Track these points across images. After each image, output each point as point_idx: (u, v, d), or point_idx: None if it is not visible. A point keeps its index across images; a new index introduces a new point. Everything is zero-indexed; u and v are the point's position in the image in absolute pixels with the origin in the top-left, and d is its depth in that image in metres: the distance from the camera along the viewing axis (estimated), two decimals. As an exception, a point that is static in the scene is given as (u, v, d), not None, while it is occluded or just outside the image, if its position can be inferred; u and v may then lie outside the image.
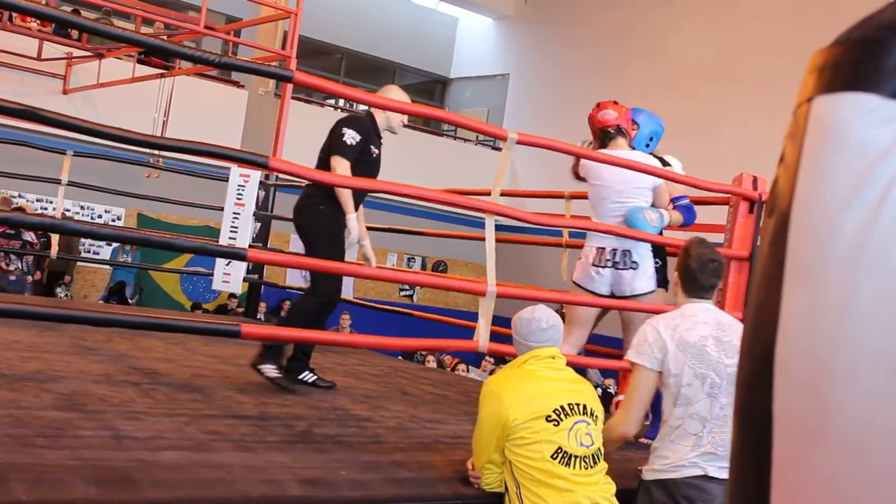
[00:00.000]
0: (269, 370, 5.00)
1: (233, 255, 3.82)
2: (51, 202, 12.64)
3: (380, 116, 5.22)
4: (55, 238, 8.78)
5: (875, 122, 0.88)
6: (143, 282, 14.03)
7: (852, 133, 0.89)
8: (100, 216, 13.91)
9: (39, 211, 12.77)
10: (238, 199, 8.02)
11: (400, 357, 10.59)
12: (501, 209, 4.53)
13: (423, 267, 17.36)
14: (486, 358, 12.32)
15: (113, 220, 13.99)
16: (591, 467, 3.30)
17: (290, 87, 8.72)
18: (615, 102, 5.38)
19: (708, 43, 14.74)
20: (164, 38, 10.76)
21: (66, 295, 12.55)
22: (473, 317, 4.90)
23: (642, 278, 5.06)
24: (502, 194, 5.72)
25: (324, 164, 5.04)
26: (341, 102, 18.10)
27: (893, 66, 0.89)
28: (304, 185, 7.02)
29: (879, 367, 0.84)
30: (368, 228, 9.66)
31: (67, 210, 13.06)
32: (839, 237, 0.87)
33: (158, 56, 12.59)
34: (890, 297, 0.84)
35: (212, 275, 8.41)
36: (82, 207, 13.68)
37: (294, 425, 4.15)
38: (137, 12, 10.17)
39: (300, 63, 14.76)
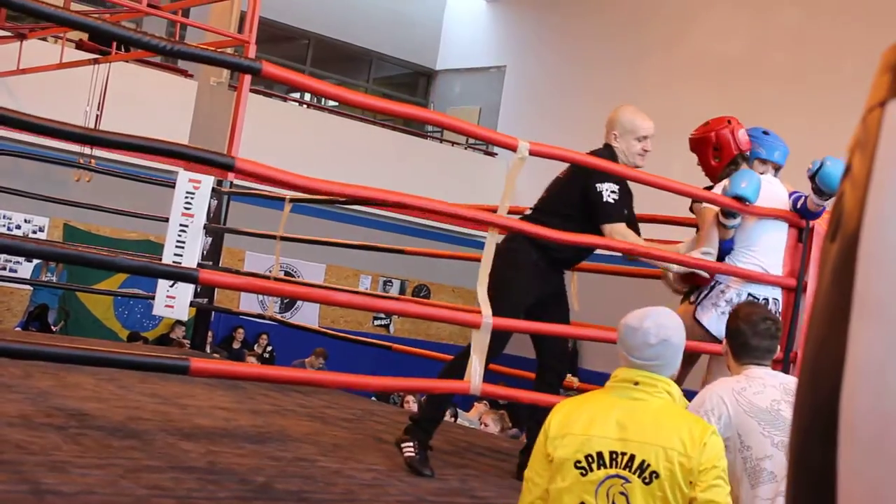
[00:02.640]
0: (409, 449, 4.85)
1: (182, 275, 3.79)
2: (8, 218, 12.65)
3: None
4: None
5: (961, 130, 0.87)
6: (70, 305, 13.96)
7: (934, 143, 0.88)
8: (18, 227, 13.85)
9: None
10: (186, 208, 8.01)
11: (374, 398, 10.56)
12: (513, 224, 4.53)
13: (402, 292, 17.35)
14: (482, 402, 11.99)
15: (34, 232, 13.93)
16: None
17: (248, 77, 8.70)
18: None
19: (737, 33, 14.84)
20: (98, 17, 10.74)
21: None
22: (459, 351, 4.88)
23: None
24: (513, 211, 5.74)
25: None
26: (307, 97, 18.10)
27: (983, 65, 0.88)
28: (260, 192, 7.00)
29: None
30: (344, 245, 9.68)
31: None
32: (919, 267, 0.87)
33: (95, 40, 12.57)
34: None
35: (152, 298, 8.40)
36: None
37: (250, 479, 4.12)
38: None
39: (260, 49, 14.76)
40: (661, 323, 2.98)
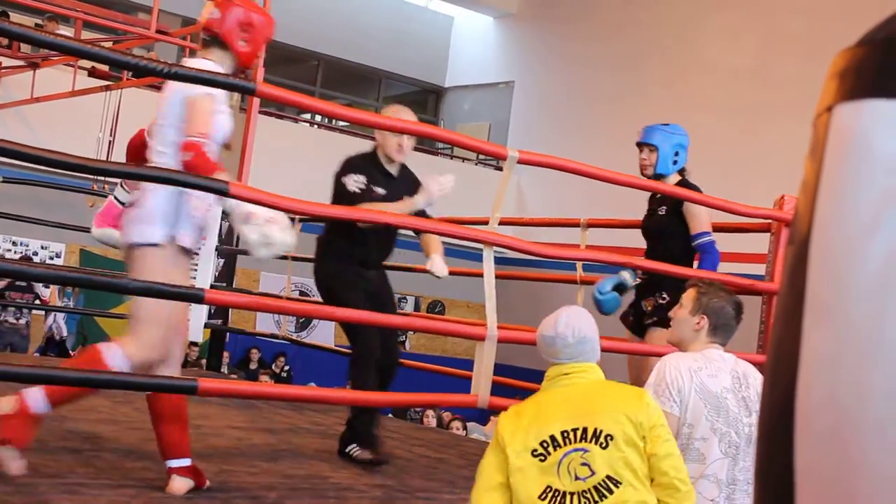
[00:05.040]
0: (356, 451, 5.18)
1: (187, 296, 3.82)
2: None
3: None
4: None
5: (904, 132, 0.89)
6: (87, 329, 14.00)
7: (878, 146, 0.90)
8: (35, 253, 13.93)
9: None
10: (197, 231, 8.04)
11: (390, 414, 10.58)
12: (501, 239, 4.56)
13: (417, 308, 17.36)
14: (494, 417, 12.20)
15: (51, 258, 14.01)
16: (599, 502, 3.05)
17: (256, 100, 8.76)
18: None
19: (742, 39, 14.85)
20: (110, 44, 10.83)
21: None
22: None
23: None
24: (506, 223, 5.76)
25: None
26: (318, 118, 18.18)
27: (924, 69, 0.90)
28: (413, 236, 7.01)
29: (914, 418, 0.85)
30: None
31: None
32: (863, 268, 0.88)
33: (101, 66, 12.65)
34: (923, 336, 0.85)
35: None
36: (14, 243, 13.71)
37: (261, 497, 4.15)
38: (78, 15, 10.24)
39: (270, 71, 14.81)
40: (573, 324, 3.19)
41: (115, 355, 3.84)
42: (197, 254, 4.12)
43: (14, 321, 12.05)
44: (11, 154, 3.57)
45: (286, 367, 14.82)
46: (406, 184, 5.47)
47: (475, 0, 18.74)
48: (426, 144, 18.50)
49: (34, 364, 6.25)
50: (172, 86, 4.02)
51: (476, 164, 18.14)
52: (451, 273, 7.78)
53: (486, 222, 5.05)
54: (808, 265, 0.95)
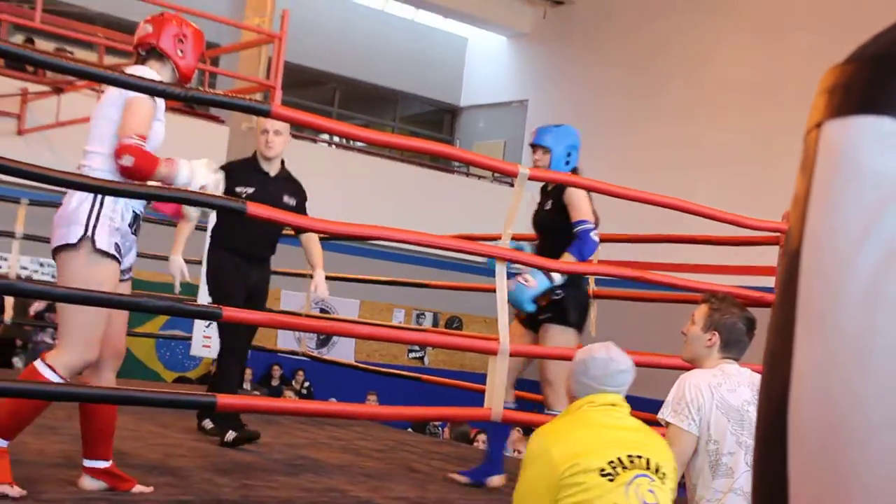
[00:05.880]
0: (230, 436, 5.68)
1: (204, 314, 3.85)
2: (5, 259, 12.74)
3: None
4: (9, 301, 8.84)
5: (891, 147, 0.90)
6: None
7: (865, 162, 0.91)
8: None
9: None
10: (218, 250, 8.06)
11: (409, 429, 10.58)
12: (513, 255, 4.57)
13: (435, 324, 17.35)
14: (517, 429, 12.14)
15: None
16: None
17: (275, 121, 8.81)
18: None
19: (756, 60, 14.84)
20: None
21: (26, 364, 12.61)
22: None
23: None
24: (519, 238, 5.77)
25: None
26: (336, 138, 18.24)
27: (910, 85, 0.91)
28: (292, 233, 7.12)
29: (901, 428, 0.85)
30: (371, 281, 9.72)
31: (25, 268, 13.14)
32: (853, 281, 0.89)
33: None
34: (909, 348, 0.85)
35: (190, 339, 8.46)
36: (42, 265, 13.76)
37: (281, 510, 4.15)
38: (101, 40, 10.32)
39: (288, 93, 14.93)
40: (622, 353, 3.36)
41: (46, 370, 3.81)
42: (126, 278, 4.06)
43: (51, 341, 12.14)
44: (36, 177, 3.59)
45: (306, 384, 14.83)
46: (281, 182, 5.91)
47: (489, 20, 18.77)
48: (442, 163, 18.55)
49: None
50: (111, 90, 4.00)
51: (492, 181, 18.15)
52: (467, 289, 7.78)
53: (499, 238, 5.08)
54: (799, 277, 0.95)
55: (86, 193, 3.82)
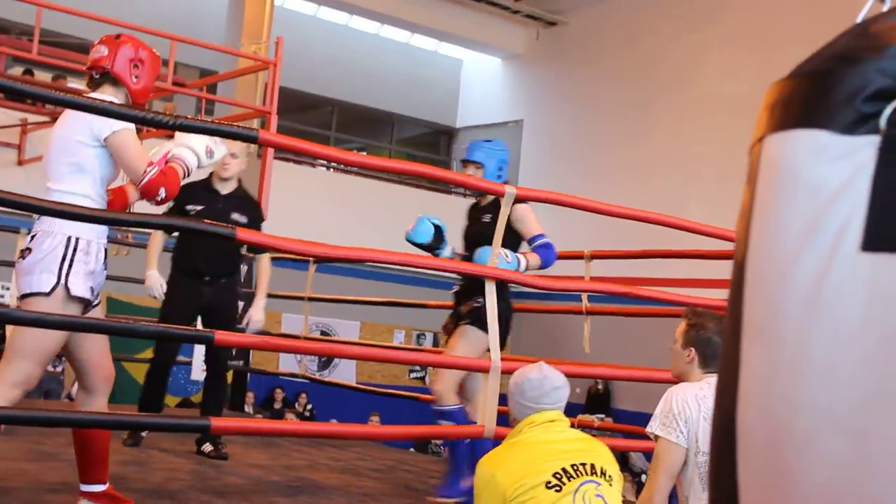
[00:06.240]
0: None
1: (195, 338, 3.86)
2: (8, 288, 12.75)
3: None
4: (9, 329, 8.84)
5: (826, 160, 0.92)
6: (115, 374, 14.04)
7: (802, 173, 0.93)
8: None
9: (-5, 299, 12.86)
10: (217, 275, 8.09)
11: (412, 449, 10.57)
12: (502, 273, 4.58)
13: (436, 343, 17.33)
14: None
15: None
16: None
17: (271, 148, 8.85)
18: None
19: (744, 73, 14.89)
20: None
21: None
22: (500, 400, 4.91)
23: None
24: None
25: None
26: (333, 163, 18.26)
27: (845, 99, 0.93)
28: (293, 258, 7.15)
29: (840, 432, 0.86)
30: (370, 303, 9.74)
31: (26, 297, 13.14)
32: (791, 291, 0.91)
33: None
34: (845, 352, 0.87)
35: (191, 363, 8.49)
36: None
37: (278, 531, 4.15)
38: (98, 71, 10.34)
39: (286, 118, 14.96)
40: (555, 371, 3.48)
41: None
42: (94, 304, 3.97)
43: (52, 368, 12.25)
44: (36, 209, 3.59)
45: (308, 406, 14.83)
46: (232, 200, 5.99)
47: (483, 42, 18.84)
48: (439, 185, 18.58)
49: (62, 409, 6.29)
50: (75, 118, 3.85)
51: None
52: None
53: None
54: (744, 288, 0.97)
55: (58, 239, 3.70)
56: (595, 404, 15.66)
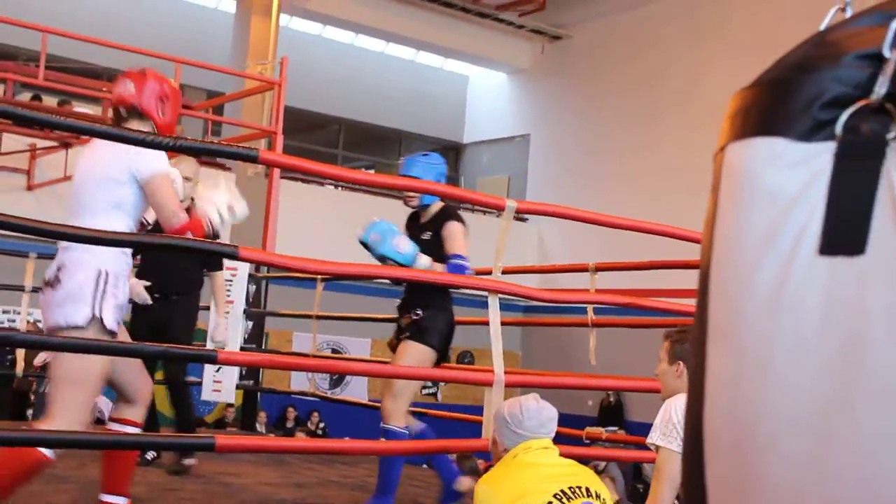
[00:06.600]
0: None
1: (198, 357, 3.88)
2: (18, 312, 12.80)
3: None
4: (20, 353, 8.89)
5: (784, 166, 0.94)
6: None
7: (761, 180, 0.95)
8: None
9: (6, 324, 12.92)
10: (226, 295, 8.12)
11: (425, 465, 10.54)
12: (504, 287, 4.60)
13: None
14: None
15: (91, 329, 14.10)
16: None
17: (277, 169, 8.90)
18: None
19: (748, 82, 14.91)
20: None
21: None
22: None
23: None
24: (518, 271, 5.80)
25: None
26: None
27: (802, 107, 0.95)
28: (302, 276, 7.17)
29: (802, 434, 0.88)
30: (380, 320, 9.77)
31: (38, 321, 13.20)
32: (752, 297, 0.92)
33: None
34: (806, 356, 0.88)
35: (201, 384, 8.51)
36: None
37: (287, 549, 4.16)
38: (105, 95, 10.42)
39: (294, 138, 15.02)
40: (546, 402, 3.66)
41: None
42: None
43: None
44: (47, 234, 3.61)
45: (321, 424, 14.84)
46: None
47: (488, 58, 18.90)
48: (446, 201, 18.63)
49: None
50: (111, 155, 3.88)
51: (498, 215, 18.20)
52: (470, 323, 7.83)
53: (485, 271, 5.12)
54: (708, 295, 0.99)
55: (91, 273, 3.73)
56: (608, 416, 15.64)
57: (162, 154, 3.87)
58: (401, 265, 5.01)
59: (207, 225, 4.01)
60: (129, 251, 3.91)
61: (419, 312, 5.20)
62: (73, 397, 3.73)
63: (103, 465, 4.15)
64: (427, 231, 5.39)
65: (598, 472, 10.40)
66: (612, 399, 16.21)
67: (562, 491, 3.39)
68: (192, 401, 6.53)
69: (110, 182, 3.86)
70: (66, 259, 3.80)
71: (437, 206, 5.44)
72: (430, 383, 17.25)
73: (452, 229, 5.24)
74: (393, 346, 5.44)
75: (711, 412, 0.97)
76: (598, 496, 3.49)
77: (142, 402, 4.18)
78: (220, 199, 4.08)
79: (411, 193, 5.35)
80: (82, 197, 3.94)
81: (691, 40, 16.01)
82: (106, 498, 4.12)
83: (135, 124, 4.02)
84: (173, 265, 5.89)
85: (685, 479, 1.04)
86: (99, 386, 3.87)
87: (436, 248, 5.23)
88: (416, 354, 5.16)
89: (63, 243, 3.79)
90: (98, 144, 4.00)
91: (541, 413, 3.61)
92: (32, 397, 13.01)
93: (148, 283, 5.82)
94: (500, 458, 3.66)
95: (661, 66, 16.37)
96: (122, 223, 3.87)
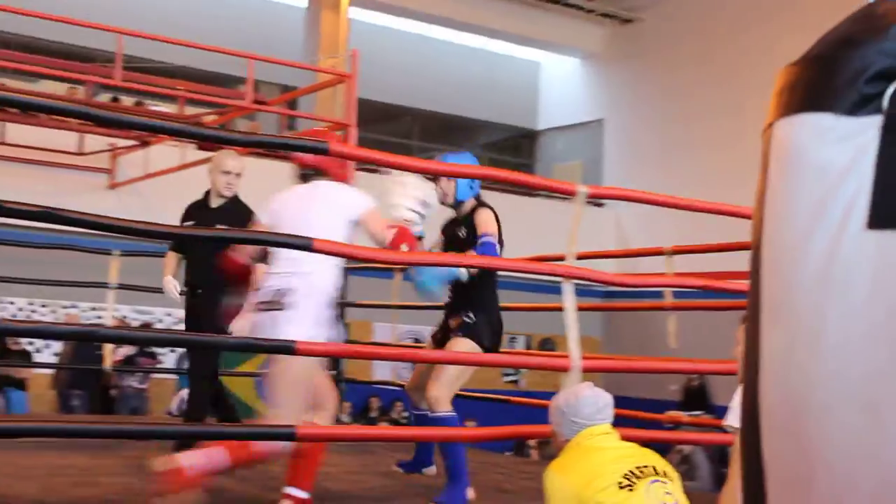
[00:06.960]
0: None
1: (280, 348, 3.95)
2: (105, 308, 13.09)
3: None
4: (108, 348, 9.07)
5: (832, 141, 0.95)
6: (214, 389, 14.28)
7: (809, 156, 0.96)
8: (160, 321, 14.29)
9: (94, 321, 13.19)
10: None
11: (507, 452, 10.59)
12: (577, 272, 4.61)
13: (528, 346, 17.33)
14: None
15: (175, 324, 14.36)
16: None
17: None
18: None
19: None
20: (213, 117, 11.20)
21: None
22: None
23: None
24: (594, 256, 5.79)
25: None
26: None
27: (847, 82, 0.96)
28: (380, 267, 7.23)
29: (855, 403, 0.90)
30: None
31: (124, 317, 13.48)
32: (804, 268, 0.94)
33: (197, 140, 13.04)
34: (856, 326, 0.90)
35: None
36: (140, 312, 14.10)
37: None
38: (181, 93, 10.60)
39: (368, 129, 15.14)
40: (601, 389, 3.74)
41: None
42: None
43: (139, 385, 12.57)
44: (130, 231, 3.71)
45: (404, 414, 14.93)
46: (219, 213, 6.09)
47: (559, 43, 18.82)
48: (522, 188, 18.61)
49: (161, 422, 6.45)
50: (324, 204, 4.40)
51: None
52: (542, 309, 7.82)
53: (558, 257, 5.14)
54: (761, 270, 1.01)
55: (321, 299, 4.32)
56: (692, 400, 15.48)
57: (360, 192, 4.51)
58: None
59: (410, 229, 4.44)
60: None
61: (470, 316, 5.29)
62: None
63: (291, 458, 4.45)
64: (462, 227, 5.46)
65: (683, 457, 10.36)
66: (695, 382, 16.06)
67: (630, 471, 3.46)
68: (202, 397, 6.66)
69: (329, 230, 4.29)
70: (294, 283, 4.29)
71: (470, 203, 5.50)
72: (511, 370, 17.28)
73: (482, 216, 5.32)
74: (436, 340, 5.53)
75: (767, 386, 0.98)
76: (665, 474, 3.56)
77: (324, 406, 4.59)
78: (408, 198, 4.38)
79: (447, 193, 5.44)
80: (300, 229, 4.33)
81: (776, 28, 15.72)
82: (290, 491, 4.41)
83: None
84: (202, 258, 6.03)
85: (743, 455, 1.06)
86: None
87: (472, 244, 5.29)
88: (468, 349, 5.22)
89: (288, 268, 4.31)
90: (300, 195, 4.53)
91: (597, 400, 3.68)
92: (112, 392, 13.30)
93: (176, 283, 6.24)
94: (560, 448, 3.73)
95: (743, 56, 16.08)
96: (339, 259, 4.45)
